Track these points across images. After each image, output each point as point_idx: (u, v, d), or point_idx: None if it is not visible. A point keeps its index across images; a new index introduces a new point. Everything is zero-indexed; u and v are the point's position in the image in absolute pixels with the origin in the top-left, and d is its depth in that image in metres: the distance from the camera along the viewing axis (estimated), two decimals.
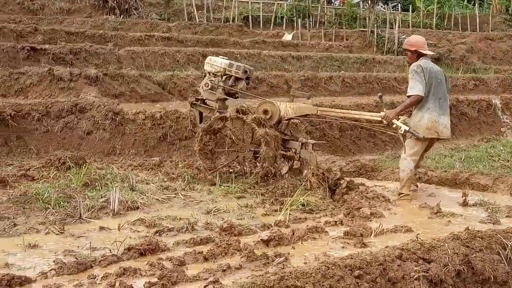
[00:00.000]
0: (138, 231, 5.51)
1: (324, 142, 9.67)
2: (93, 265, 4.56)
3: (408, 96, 7.01)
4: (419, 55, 7.24)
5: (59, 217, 5.78)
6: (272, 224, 5.79)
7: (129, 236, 5.29)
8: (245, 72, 8.08)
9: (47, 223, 5.61)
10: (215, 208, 6.33)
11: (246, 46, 19.65)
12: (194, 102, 8.28)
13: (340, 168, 8.32)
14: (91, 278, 4.25)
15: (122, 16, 21.91)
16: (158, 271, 4.30)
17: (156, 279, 4.13)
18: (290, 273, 3.75)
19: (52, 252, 4.87)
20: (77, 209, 5.89)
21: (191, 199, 6.77)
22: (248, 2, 25.60)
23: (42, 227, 5.52)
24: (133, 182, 6.97)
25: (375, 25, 23.87)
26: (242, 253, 4.74)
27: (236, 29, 22.82)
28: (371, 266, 4.07)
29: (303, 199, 6.55)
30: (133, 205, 6.27)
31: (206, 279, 4.18)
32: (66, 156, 7.73)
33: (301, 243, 5.22)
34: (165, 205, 6.50)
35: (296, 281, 3.67)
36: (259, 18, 24.80)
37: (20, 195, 6.32)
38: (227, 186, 7.27)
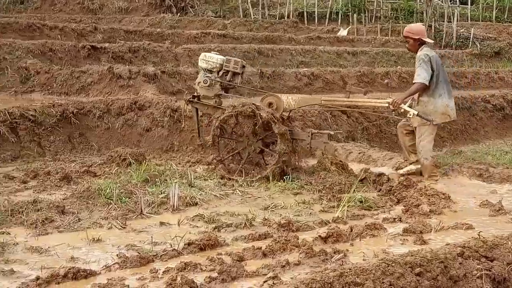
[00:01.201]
0: (197, 227, 5.61)
1: (341, 131, 9.54)
2: (154, 259, 4.67)
3: (414, 83, 7.32)
4: (421, 43, 7.46)
5: (121, 212, 5.92)
6: (330, 221, 5.79)
7: (189, 231, 5.38)
8: (243, 66, 8.10)
9: (109, 218, 5.76)
10: (272, 204, 6.36)
11: (301, 42, 19.62)
12: (190, 99, 8.15)
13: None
14: (153, 272, 4.35)
15: (178, 14, 22.21)
16: (218, 266, 4.37)
17: (216, 274, 4.20)
18: (350, 269, 3.75)
19: (115, 246, 5.00)
20: (138, 204, 6.02)
21: (248, 195, 6.82)
22: None
23: (105, 222, 5.67)
24: (191, 178, 7.07)
25: (433, 19, 23.45)
26: (300, 249, 4.76)
27: (291, 25, 22.81)
28: (432, 263, 4.02)
29: (361, 195, 6.52)
30: (192, 201, 6.36)
31: (265, 274, 4.22)
32: (127, 153, 7.90)
33: (360, 240, 5.20)
34: (223, 201, 6.57)
35: (356, 278, 3.67)
36: (314, 14, 24.70)
37: (84, 190, 6.49)
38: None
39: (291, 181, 7.24)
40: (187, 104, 8.22)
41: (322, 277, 3.66)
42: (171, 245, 4.93)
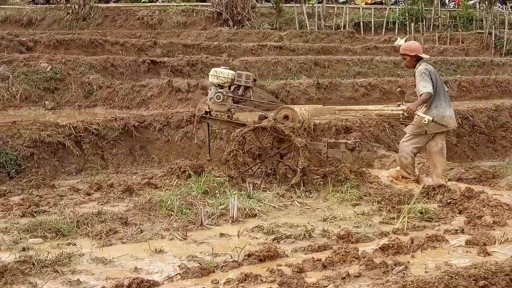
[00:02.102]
0: (256, 238, 5.65)
1: (359, 140, 9.46)
2: (215, 270, 4.73)
3: (421, 94, 7.49)
4: (418, 59, 7.72)
5: (181, 223, 6.02)
6: (390, 232, 5.74)
7: (249, 242, 5.43)
8: (254, 80, 8.17)
9: (171, 229, 5.87)
10: (331, 216, 6.35)
11: (358, 53, 19.51)
12: (203, 116, 8.17)
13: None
14: (215, 283, 4.41)
15: (235, 27, 22.42)
16: (278, 277, 4.40)
17: (276, 286, 4.23)
18: (412, 282, 3.72)
19: (176, 257, 5.10)
20: (198, 216, 6.11)
21: (307, 207, 6.83)
22: (359, 8, 25.41)
23: (166, 233, 5.78)
24: (250, 189, 7.13)
25: (493, 26, 22.94)
26: (360, 261, 4.75)
27: (347, 35, 22.69)
28: (497, 276, 3.95)
29: (421, 206, 6.44)
30: (251, 212, 6.41)
31: (326, 286, 4.23)
32: (186, 165, 8.03)
33: (421, 251, 5.15)
34: (282, 212, 6.60)
35: None
36: (371, 24, 24.52)
37: (145, 202, 6.64)
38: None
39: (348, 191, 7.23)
40: (199, 121, 8.28)
41: None
42: (231, 256, 5.00)
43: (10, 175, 8.21)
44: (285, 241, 5.52)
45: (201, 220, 6.03)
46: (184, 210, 6.34)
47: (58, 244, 5.38)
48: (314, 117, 8.10)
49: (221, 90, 8.01)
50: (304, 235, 5.61)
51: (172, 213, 6.25)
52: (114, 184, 7.68)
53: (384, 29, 24.59)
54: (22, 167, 8.35)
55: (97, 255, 5.10)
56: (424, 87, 7.51)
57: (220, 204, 6.60)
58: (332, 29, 23.74)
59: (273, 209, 6.68)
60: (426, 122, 7.37)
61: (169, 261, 5.01)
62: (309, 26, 23.68)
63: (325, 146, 7.78)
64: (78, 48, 15.76)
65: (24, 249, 5.20)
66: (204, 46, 18.13)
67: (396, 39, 23.22)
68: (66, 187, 7.78)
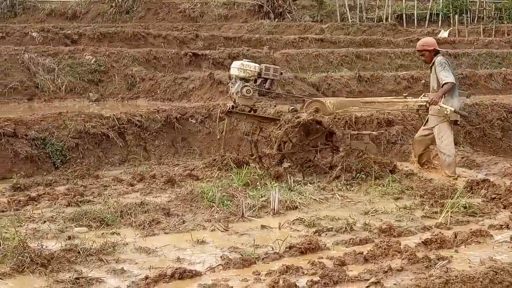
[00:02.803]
0: (297, 230, 5.65)
1: (382, 132, 9.34)
2: (256, 261, 4.75)
3: (444, 84, 7.60)
4: (435, 53, 7.90)
5: (223, 215, 6.06)
6: (433, 227, 5.68)
7: (290, 235, 5.44)
8: (281, 73, 8.03)
9: (212, 220, 5.91)
10: (372, 209, 6.31)
11: (400, 45, 19.31)
12: (229, 110, 7.96)
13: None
14: (256, 274, 4.43)
15: (276, 20, 22.42)
16: (320, 270, 4.40)
17: (318, 278, 4.23)
18: (456, 276, 3.68)
19: (218, 248, 5.13)
20: (240, 207, 6.14)
21: (348, 200, 6.80)
22: (401, 0, 25.10)
23: (208, 224, 5.82)
24: (291, 182, 7.13)
25: None
26: (403, 255, 4.71)
27: (389, 28, 22.49)
28: None
29: (465, 201, 6.35)
30: (292, 205, 6.41)
31: (367, 279, 4.21)
32: (228, 157, 8.07)
33: (464, 246, 5.08)
34: (323, 205, 6.58)
35: (462, 286, 3.60)
36: (413, 16, 24.23)
37: (187, 193, 6.69)
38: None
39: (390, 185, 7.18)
40: (226, 116, 8.02)
41: (427, 284, 3.62)
42: (272, 248, 5.01)
43: (56, 165, 8.40)
44: (326, 234, 5.51)
45: (243, 212, 6.06)
46: (225, 201, 6.38)
47: (103, 233, 5.47)
48: (339, 109, 8.00)
49: (248, 84, 7.86)
50: (346, 228, 5.59)
51: (214, 204, 6.29)
52: (157, 175, 7.77)
53: (427, 22, 24.29)
54: (67, 158, 8.53)
55: (141, 245, 5.17)
56: (446, 76, 7.65)
57: (261, 196, 6.62)
58: (374, 22, 23.55)
59: (314, 202, 6.66)
60: (448, 113, 7.52)
61: (210, 252, 5.05)
62: (351, 19, 23.53)
63: (348, 138, 7.69)
64: (121, 41, 16.00)
65: (69, 238, 5.30)
66: (245, 38, 18.19)
67: (440, 31, 22.90)
68: (109, 178, 7.90)
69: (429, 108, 7.77)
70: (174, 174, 7.80)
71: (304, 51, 16.57)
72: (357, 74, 14.23)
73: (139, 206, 6.17)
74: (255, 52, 15.69)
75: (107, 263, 4.71)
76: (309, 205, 6.55)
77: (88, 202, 6.58)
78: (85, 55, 13.64)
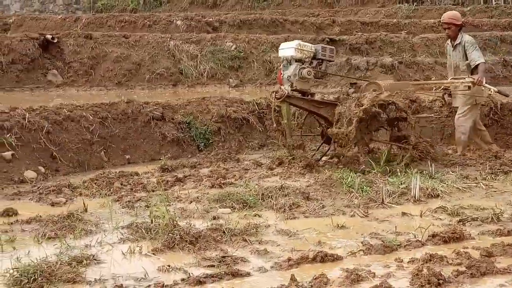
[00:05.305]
0: (440, 219, 5.52)
1: (434, 114, 8.67)
2: (398, 249, 4.71)
3: (478, 64, 7.74)
4: (460, 28, 7.97)
5: (362, 201, 6.04)
6: None
7: (432, 223, 5.32)
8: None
9: (351, 206, 5.92)
10: None
11: None
12: (288, 95, 7.34)
13: None
14: (398, 261, 4.39)
15: (415, 4, 21.81)
16: (466, 260, 4.27)
17: (464, 268, 4.12)
18: None
19: (358, 234, 5.12)
20: (379, 194, 6.09)
21: (493, 189, 6.53)
22: None
23: (347, 209, 5.84)
24: (432, 170, 6.97)
25: None
26: None
27: None
28: None
29: None
30: (433, 193, 6.26)
31: None
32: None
33: None
34: (466, 194, 6.37)
35: None
36: None
37: (326, 179, 6.75)
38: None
39: None
40: (283, 103, 7.43)
41: None
42: (414, 236, 4.94)
43: (200, 148, 8.78)
44: (470, 224, 5.33)
45: (383, 198, 6.01)
46: (364, 187, 6.36)
47: (245, 215, 5.65)
48: (390, 92, 7.63)
49: (305, 66, 7.45)
50: (492, 218, 5.37)
51: (353, 190, 6.30)
52: (295, 159, 7.86)
53: None
54: (210, 141, 8.87)
55: (282, 227, 5.28)
56: (479, 57, 7.79)
57: (401, 183, 6.53)
58: None
59: (457, 191, 6.47)
60: (491, 93, 7.67)
61: (351, 237, 5.06)
62: (495, 1, 22.35)
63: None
64: (260, 28, 16.29)
65: (214, 218, 5.52)
66: (383, 23, 17.88)
67: None
68: (249, 161, 8.13)
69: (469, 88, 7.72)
70: (314, 159, 7.85)
71: (444, 35, 15.99)
72: (502, 59, 13.54)
73: (279, 190, 6.30)
74: (392, 37, 15.41)
75: (251, 244, 4.85)
76: (451, 193, 6.37)
77: (230, 185, 6.81)
78: (226, 42, 14.05)
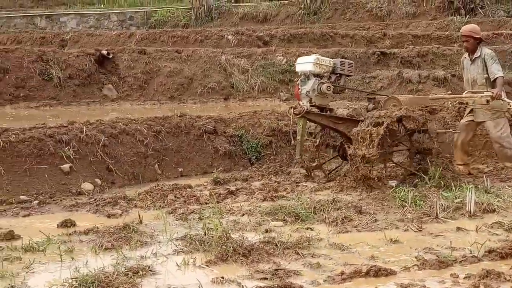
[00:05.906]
0: (496, 234, 5.43)
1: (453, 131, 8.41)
2: (453, 264, 4.65)
3: (496, 78, 7.63)
4: (479, 42, 7.87)
5: (416, 215, 5.99)
6: None
7: (488, 238, 5.24)
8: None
9: (405, 220, 5.87)
10: None
11: None
12: (307, 111, 7.22)
13: None
14: (454, 277, 4.34)
15: (467, 16, 21.46)
16: None
17: None
18: None
19: (412, 248, 5.09)
20: (433, 208, 6.02)
21: None
22: None
23: (401, 223, 5.79)
24: (487, 184, 6.85)
25: None
26: None
27: None
28: None
29: None
30: (489, 208, 6.15)
31: None
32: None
33: None
34: None
35: None
36: None
37: (378, 192, 6.72)
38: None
39: None
40: (302, 118, 7.36)
41: None
42: (470, 251, 4.87)
43: (251, 162, 8.84)
44: None
45: (437, 213, 5.94)
46: (417, 201, 6.30)
47: (297, 228, 5.67)
48: (408, 106, 7.46)
49: (324, 81, 7.34)
50: None
51: (406, 204, 6.24)
52: (347, 173, 7.82)
53: None
54: (261, 154, 8.93)
55: (334, 241, 5.28)
56: (498, 70, 7.74)
57: (456, 198, 6.44)
58: None
59: None
60: (511, 107, 7.63)
61: (404, 252, 5.02)
62: None
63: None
64: (310, 41, 16.34)
65: (267, 231, 5.55)
66: (435, 36, 17.67)
67: None
68: (300, 174, 8.14)
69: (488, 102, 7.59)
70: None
71: (498, 47, 15.68)
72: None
73: (331, 203, 6.30)
74: (445, 50, 15.22)
75: (303, 257, 4.87)
76: (508, 208, 6.24)
77: (282, 198, 6.84)
78: (276, 56, 14.14)
